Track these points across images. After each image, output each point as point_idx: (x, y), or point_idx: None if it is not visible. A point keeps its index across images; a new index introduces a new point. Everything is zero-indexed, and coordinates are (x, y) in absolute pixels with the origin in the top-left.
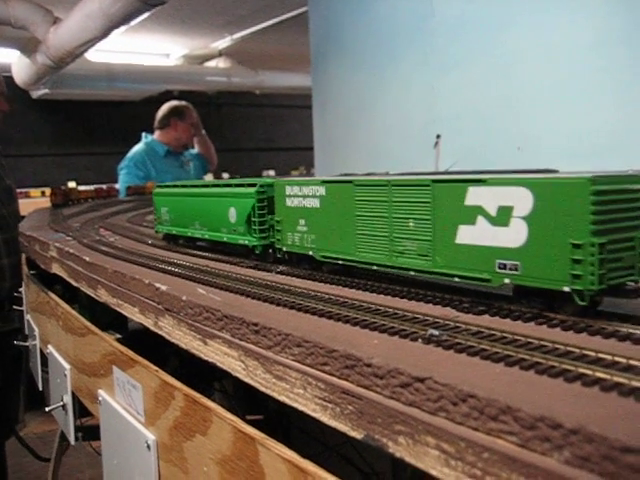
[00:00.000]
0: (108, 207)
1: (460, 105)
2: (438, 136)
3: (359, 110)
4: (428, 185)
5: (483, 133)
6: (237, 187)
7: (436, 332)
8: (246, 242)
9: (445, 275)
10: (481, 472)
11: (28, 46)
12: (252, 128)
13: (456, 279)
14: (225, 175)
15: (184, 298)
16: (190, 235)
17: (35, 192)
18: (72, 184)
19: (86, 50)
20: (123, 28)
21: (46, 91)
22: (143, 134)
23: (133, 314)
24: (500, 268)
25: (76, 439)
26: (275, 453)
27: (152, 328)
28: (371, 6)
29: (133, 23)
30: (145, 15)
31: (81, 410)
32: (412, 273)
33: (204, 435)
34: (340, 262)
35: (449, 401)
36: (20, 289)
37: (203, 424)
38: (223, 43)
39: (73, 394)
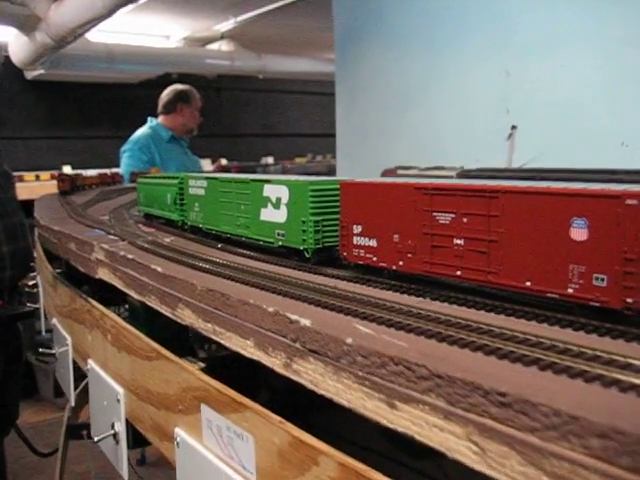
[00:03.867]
0: (120, 195)
1: (544, 93)
2: (514, 127)
3: (402, 97)
4: (248, 182)
5: (575, 125)
6: (170, 179)
7: None
8: (173, 217)
9: (256, 240)
10: None
11: (27, 24)
12: (251, 113)
13: (261, 242)
14: (223, 161)
15: (349, 341)
16: (154, 213)
17: (29, 176)
18: (67, 168)
19: (89, 29)
20: (130, 7)
21: (41, 72)
22: (148, 118)
23: (243, 347)
24: (277, 235)
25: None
26: None
27: (279, 370)
28: None
29: (140, 1)
30: None
31: (135, 439)
32: (243, 238)
33: None
34: (214, 232)
35: None
36: (31, 281)
37: None
38: (226, 25)
39: (128, 422)
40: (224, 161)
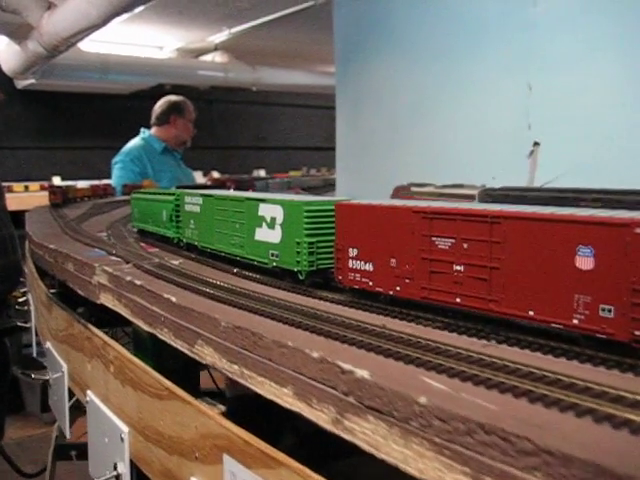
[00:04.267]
0: (113, 208)
1: (569, 108)
2: (536, 144)
3: (413, 110)
4: (243, 201)
5: (603, 142)
6: (165, 195)
7: None
8: (169, 234)
9: (250, 260)
10: None
11: (19, 32)
12: (243, 126)
13: (255, 262)
14: (215, 174)
15: (423, 401)
16: (149, 229)
17: (18, 186)
18: (57, 179)
19: (82, 38)
20: (124, 16)
21: (32, 81)
22: (141, 129)
23: (279, 396)
24: (272, 256)
25: None
26: None
27: (326, 426)
28: None
29: (135, 11)
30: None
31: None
32: (238, 258)
33: None
34: (209, 250)
35: None
36: (20, 298)
37: None
38: (220, 37)
39: (132, 463)
40: (215, 174)
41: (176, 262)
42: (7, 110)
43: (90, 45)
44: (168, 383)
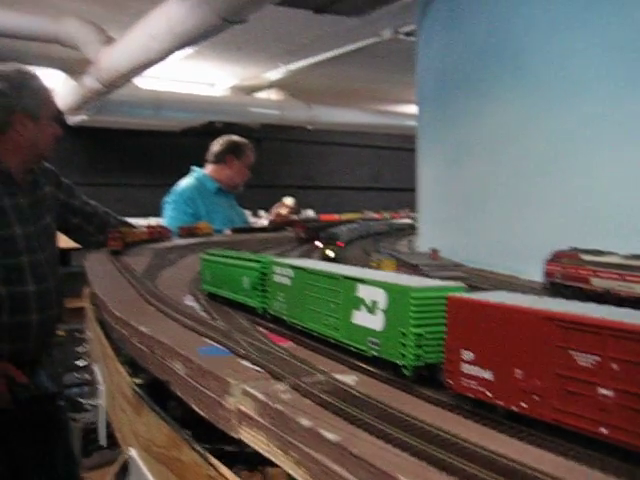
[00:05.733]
0: (178, 257)
1: None
2: None
3: (547, 159)
4: (339, 279)
5: None
6: (248, 262)
7: None
8: (252, 304)
9: (346, 344)
10: None
11: (75, 68)
12: (291, 165)
13: (352, 348)
14: (262, 212)
15: None
16: (223, 295)
17: None
18: None
19: (139, 73)
20: (184, 52)
21: (84, 117)
22: (193, 168)
23: None
24: (371, 344)
25: None
26: None
27: None
28: (581, 15)
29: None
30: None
31: None
32: (332, 340)
33: None
34: (299, 327)
35: None
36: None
37: None
38: (276, 74)
39: None
40: (262, 212)
41: (350, 380)
42: (57, 146)
43: (142, 81)
44: None
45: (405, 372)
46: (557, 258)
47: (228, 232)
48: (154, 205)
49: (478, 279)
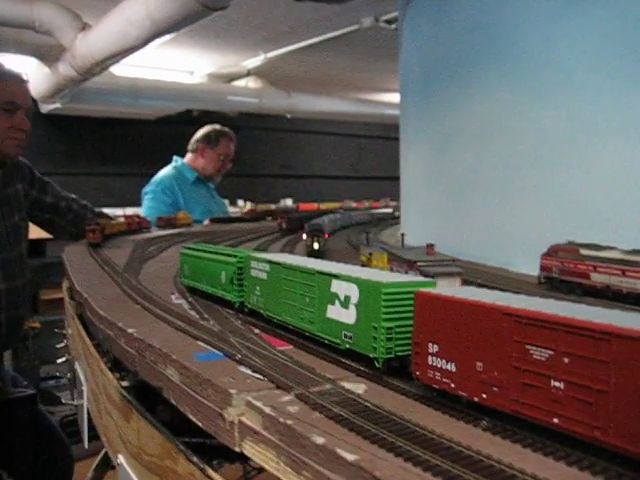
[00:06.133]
0: (158, 250)
1: None
2: None
3: (537, 153)
4: (314, 274)
5: None
6: (226, 256)
7: None
8: (229, 297)
9: (320, 337)
10: None
11: (49, 54)
12: (270, 153)
13: (326, 341)
14: (240, 202)
15: None
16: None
17: None
18: None
19: (117, 61)
20: (166, 38)
21: (57, 105)
22: (174, 157)
23: None
24: (345, 337)
25: None
26: None
27: None
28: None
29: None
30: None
31: None
32: (307, 333)
33: None
34: (275, 320)
35: None
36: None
37: None
38: (254, 62)
39: None
40: (241, 202)
41: (359, 389)
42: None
43: (119, 69)
44: None
45: (376, 364)
46: (554, 252)
47: (207, 222)
48: (131, 194)
49: (473, 273)
